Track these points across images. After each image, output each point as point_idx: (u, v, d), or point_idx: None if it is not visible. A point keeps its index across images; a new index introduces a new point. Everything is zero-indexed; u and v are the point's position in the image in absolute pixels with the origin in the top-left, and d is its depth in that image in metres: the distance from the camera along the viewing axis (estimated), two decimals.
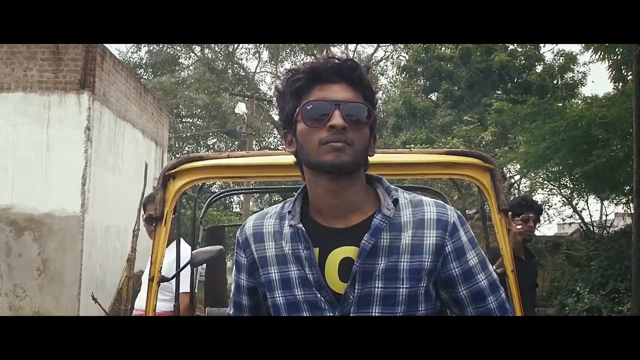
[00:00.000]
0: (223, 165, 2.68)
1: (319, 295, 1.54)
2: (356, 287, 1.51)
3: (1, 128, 10.60)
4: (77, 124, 10.61)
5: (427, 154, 2.76)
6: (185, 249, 3.87)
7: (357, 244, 1.51)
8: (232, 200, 29.25)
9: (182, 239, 3.86)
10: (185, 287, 3.87)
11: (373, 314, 1.51)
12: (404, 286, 1.51)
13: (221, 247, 3.45)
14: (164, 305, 3.74)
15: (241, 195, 24.27)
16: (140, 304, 3.97)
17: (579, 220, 14.12)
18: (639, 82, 7.61)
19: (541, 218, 4.30)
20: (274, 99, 1.65)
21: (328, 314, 1.53)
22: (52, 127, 10.62)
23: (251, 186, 6.82)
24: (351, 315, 1.52)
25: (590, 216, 13.67)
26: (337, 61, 1.53)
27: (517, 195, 6.03)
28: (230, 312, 1.81)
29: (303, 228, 1.54)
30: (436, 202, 1.60)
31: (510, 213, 4.31)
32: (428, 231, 1.54)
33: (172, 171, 2.57)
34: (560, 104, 13.02)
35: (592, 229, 13.51)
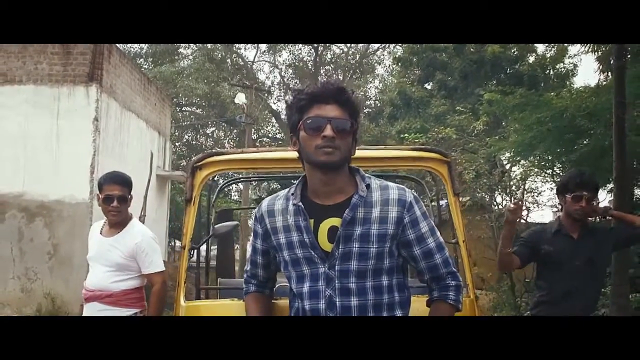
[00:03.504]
0: (239, 159, 3.29)
1: (313, 253, 2.12)
2: (340, 247, 2.10)
3: (13, 119, 10.96)
4: (85, 115, 11.00)
5: (397, 150, 3.34)
6: (141, 228, 4.06)
7: (340, 216, 2.10)
8: (231, 189, 29.72)
9: (139, 222, 4.14)
10: (159, 266, 3.97)
11: (351, 267, 2.09)
12: (374, 247, 2.09)
13: (237, 222, 3.98)
14: (130, 283, 3.90)
15: (241, 184, 24.74)
16: (89, 284, 3.94)
17: None
18: (618, 77, 7.79)
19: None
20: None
21: (320, 267, 2.11)
22: (62, 118, 11.01)
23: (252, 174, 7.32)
24: (336, 267, 2.09)
25: None
26: (331, 87, 2.11)
27: (571, 170, 5.59)
28: (247, 268, 2.43)
29: (302, 205, 2.14)
30: (398, 186, 2.19)
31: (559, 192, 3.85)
32: (391, 207, 2.12)
33: (199, 163, 3.16)
34: (553, 94, 13.24)
35: None
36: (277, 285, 2.57)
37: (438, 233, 2.21)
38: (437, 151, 3.22)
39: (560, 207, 4.04)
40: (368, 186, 2.13)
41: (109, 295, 3.83)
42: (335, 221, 2.11)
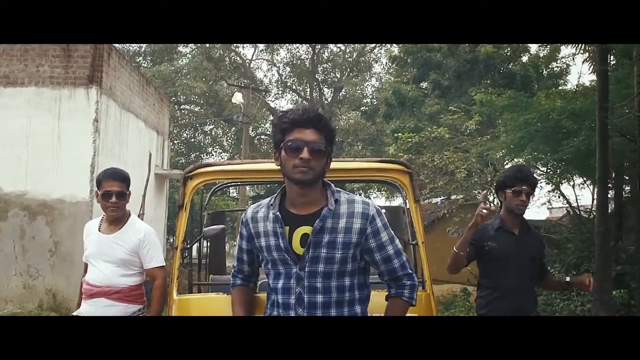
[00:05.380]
0: (227, 170, 3.62)
1: (286, 256, 2.46)
2: (310, 251, 2.44)
3: (16, 120, 11.17)
4: (86, 116, 11.21)
5: (364, 161, 3.66)
6: (143, 224, 4.13)
7: (312, 225, 2.43)
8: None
9: (138, 218, 4.20)
10: (159, 261, 4.05)
11: (319, 269, 2.42)
12: (339, 252, 2.43)
13: (224, 226, 4.28)
14: (135, 279, 3.98)
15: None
16: (94, 280, 3.97)
17: (567, 205, 14.28)
18: (601, 80, 8.00)
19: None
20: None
21: (292, 268, 2.45)
22: (63, 119, 11.23)
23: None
24: (306, 269, 2.42)
25: (577, 201, 13.92)
26: (311, 113, 2.43)
27: (508, 167, 5.40)
28: (234, 265, 2.76)
29: (279, 214, 2.48)
30: (364, 200, 2.53)
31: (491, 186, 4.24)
32: (356, 219, 2.46)
33: (190, 173, 3.50)
34: (543, 94, 13.30)
35: (578, 213, 13.64)
36: (260, 282, 2.89)
37: (397, 241, 2.56)
38: (400, 162, 3.56)
39: (500, 204, 4.08)
40: (336, 200, 2.46)
41: (117, 292, 3.89)
42: (307, 229, 2.43)
